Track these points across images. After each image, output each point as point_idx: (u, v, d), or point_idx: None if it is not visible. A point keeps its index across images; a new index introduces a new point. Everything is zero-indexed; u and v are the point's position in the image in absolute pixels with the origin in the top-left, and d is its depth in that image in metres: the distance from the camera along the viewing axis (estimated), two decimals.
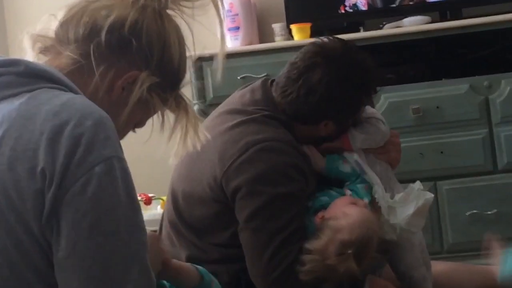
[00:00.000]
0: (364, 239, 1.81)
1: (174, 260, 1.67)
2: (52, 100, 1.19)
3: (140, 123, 1.42)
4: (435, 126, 3.48)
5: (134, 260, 1.16)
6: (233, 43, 3.55)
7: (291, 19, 3.70)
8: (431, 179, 3.45)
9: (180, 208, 2.06)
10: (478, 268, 2.75)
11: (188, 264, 1.74)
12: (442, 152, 3.47)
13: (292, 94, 2.15)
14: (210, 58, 3.58)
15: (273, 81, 2.25)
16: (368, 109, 2.32)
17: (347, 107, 2.23)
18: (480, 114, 3.44)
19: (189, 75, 3.42)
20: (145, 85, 1.32)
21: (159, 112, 1.39)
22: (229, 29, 3.58)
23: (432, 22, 3.59)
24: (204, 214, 2.02)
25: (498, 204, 3.46)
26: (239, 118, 2.14)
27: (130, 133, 1.43)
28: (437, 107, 3.46)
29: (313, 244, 1.83)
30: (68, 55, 1.32)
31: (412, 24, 3.57)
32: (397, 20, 3.64)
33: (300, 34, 3.59)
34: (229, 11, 3.69)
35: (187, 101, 1.41)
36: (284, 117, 2.18)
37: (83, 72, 1.32)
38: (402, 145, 3.13)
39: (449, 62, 3.64)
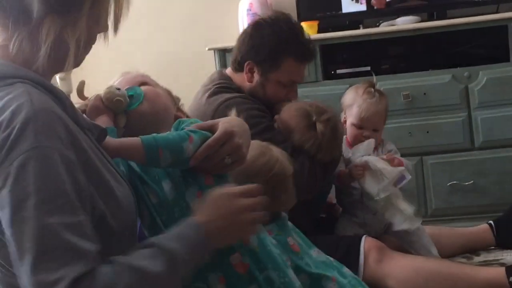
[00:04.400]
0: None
1: (112, 140, 1.50)
2: None
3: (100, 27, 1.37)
4: (422, 109, 3.61)
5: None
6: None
7: (301, 17, 3.83)
8: (418, 155, 3.61)
9: None
10: (457, 231, 3.07)
11: (133, 140, 1.50)
12: (427, 132, 3.62)
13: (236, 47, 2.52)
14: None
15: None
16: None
17: (265, 49, 2.49)
18: (461, 100, 3.58)
19: (215, 65, 3.60)
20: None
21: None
22: None
23: (421, 21, 3.73)
24: None
25: (475, 177, 3.60)
26: (197, 97, 2.40)
27: None
28: (424, 93, 3.60)
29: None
30: None
31: (404, 23, 3.72)
32: (391, 20, 3.81)
33: (309, 30, 3.53)
34: (249, 9, 3.83)
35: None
36: (236, 87, 2.45)
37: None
38: (394, 125, 3.48)
39: (434, 55, 3.76)
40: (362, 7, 3.82)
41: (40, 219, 1.13)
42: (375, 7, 3.82)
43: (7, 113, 1.19)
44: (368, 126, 2.68)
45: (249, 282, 1.49)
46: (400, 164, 2.60)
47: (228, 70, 2.57)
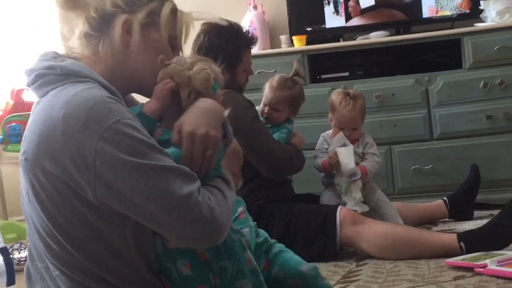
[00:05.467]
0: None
1: None
2: (68, 92, 1.31)
3: (174, 45, 1.49)
4: (390, 107, 3.85)
5: None
6: (252, 49, 3.22)
7: (293, 32, 4.15)
8: (387, 144, 3.85)
9: None
10: (418, 206, 3.35)
11: None
12: (395, 126, 3.85)
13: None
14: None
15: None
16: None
17: (228, 53, 2.70)
18: (422, 100, 3.81)
19: None
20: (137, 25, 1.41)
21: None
22: None
23: (390, 35, 4.01)
24: None
25: (433, 162, 3.81)
26: None
27: None
28: (392, 94, 3.84)
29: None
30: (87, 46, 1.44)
31: (376, 36, 3.99)
32: (366, 34, 4.07)
33: (299, 43, 4.02)
34: (250, 26, 4.08)
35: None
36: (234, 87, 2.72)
37: (98, 57, 1.43)
38: (368, 120, 3.51)
39: (401, 63, 4.00)
40: (342, 20, 4.14)
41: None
42: (351, 14, 4.11)
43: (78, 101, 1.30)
44: (348, 127, 3.08)
45: (209, 269, 1.50)
46: (363, 170, 3.02)
47: None
